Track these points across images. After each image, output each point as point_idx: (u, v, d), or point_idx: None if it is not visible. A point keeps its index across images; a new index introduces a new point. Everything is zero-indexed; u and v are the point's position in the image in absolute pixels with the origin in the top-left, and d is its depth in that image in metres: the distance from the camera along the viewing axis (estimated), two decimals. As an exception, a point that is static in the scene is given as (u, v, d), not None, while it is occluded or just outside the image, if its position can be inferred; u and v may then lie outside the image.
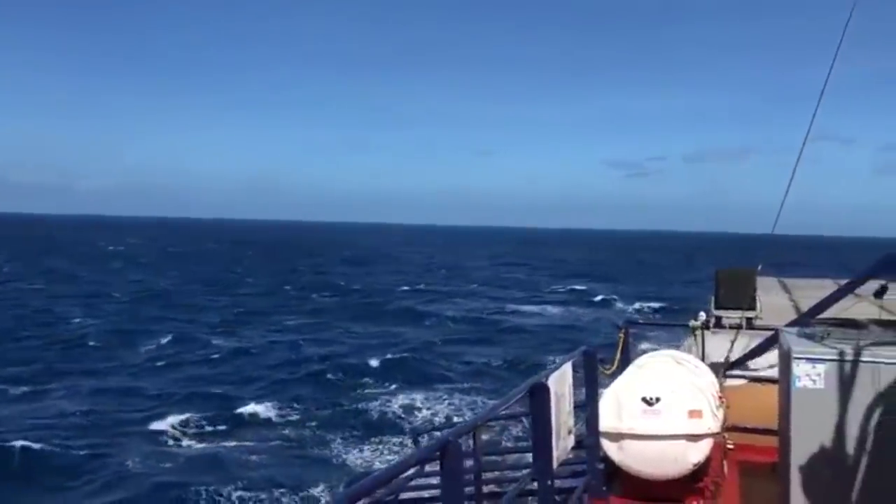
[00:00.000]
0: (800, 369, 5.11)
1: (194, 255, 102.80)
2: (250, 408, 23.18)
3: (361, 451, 19.56)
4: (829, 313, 6.94)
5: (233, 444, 20.11)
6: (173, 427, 21.15)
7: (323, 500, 15.67)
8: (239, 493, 16.37)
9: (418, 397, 24.38)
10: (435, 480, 6.73)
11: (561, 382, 5.41)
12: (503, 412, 5.27)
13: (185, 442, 20.31)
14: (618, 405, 6.29)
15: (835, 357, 5.05)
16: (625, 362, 7.72)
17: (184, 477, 17.12)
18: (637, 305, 53.52)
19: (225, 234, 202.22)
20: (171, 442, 20.20)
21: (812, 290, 11.86)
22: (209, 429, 21.35)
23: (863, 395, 4.95)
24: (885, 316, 6.31)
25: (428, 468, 6.45)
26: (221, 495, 16.27)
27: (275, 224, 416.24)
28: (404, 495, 7.70)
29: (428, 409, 23.18)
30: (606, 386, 6.68)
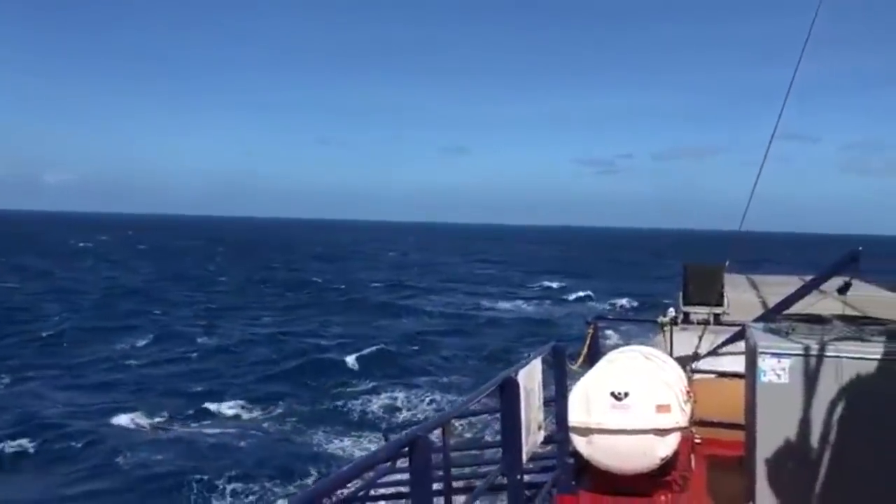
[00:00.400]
0: (765, 364, 5.17)
1: (167, 252, 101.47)
2: (228, 403, 23.17)
3: (342, 440, 19.67)
4: (794, 309, 7.05)
5: (214, 434, 20.19)
6: (149, 421, 21.18)
7: (288, 499, 15.63)
8: (221, 483, 16.45)
9: (399, 395, 24.42)
10: (405, 476, 6.73)
11: (530, 378, 5.43)
12: (473, 407, 5.28)
13: (162, 435, 20.27)
14: (587, 400, 6.32)
15: (800, 352, 5.12)
16: (594, 358, 7.76)
17: (156, 468, 17.24)
18: (609, 301, 53.97)
19: (198, 230, 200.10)
20: (147, 435, 20.19)
21: (778, 287, 12.04)
22: (186, 422, 21.37)
23: (827, 389, 5.03)
24: (849, 311, 6.41)
25: (398, 464, 6.45)
26: (198, 483, 16.31)
27: (247, 221, 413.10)
28: (374, 491, 7.69)
29: (408, 408, 23.22)
30: (576, 381, 6.71)
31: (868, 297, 11.94)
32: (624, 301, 53.47)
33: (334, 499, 6.60)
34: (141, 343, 33.62)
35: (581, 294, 59.89)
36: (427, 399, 23.89)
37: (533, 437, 5.47)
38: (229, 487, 16.33)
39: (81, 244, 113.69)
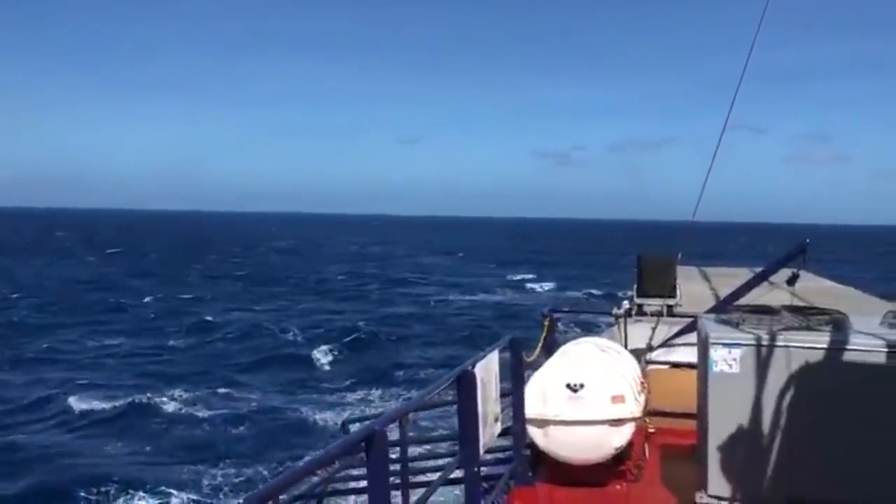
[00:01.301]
0: (717, 354, 5.27)
1: (123, 246, 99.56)
2: (189, 393, 23.20)
3: (306, 432, 19.76)
4: (744, 300, 7.19)
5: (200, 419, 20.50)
6: (101, 410, 21.29)
7: (244, 497, 15.48)
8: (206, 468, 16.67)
9: (364, 387, 24.59)
10: (362, 471, 6.71)
11: (487, 370, 5.44)
12: (430, 400, 5.28)
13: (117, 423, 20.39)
14: (543, 392, 6.36)
15: (750, 342, 5.23)
16: (550, 350, 7.82)
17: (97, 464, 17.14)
18: (568, 292, 54.58)
19: (148, 224, 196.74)
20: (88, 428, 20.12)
21: (729, 278, 12.26)
22: (168, 409, 21.59)
23: (776, 378, 5.15)
24: (797, 302, 6.56)
25: (355, 458, 6.42)
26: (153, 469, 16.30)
27: (194, 215, 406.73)
28: (331, 487, 7.65)
29: (369, 397, 23.41)
30: (533, 373, 6.75)
31: (815, 288, 12.24)
32: (586, 291, 54.18)
33: (290, 495, 6.55)
34: (111, 340, 33.22)
35: (542, 284, 60.78)
36: (390, 390, 24.08)
37: (490, 429, 5.49)
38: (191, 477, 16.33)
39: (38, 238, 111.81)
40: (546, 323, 8.43)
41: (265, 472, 16.50)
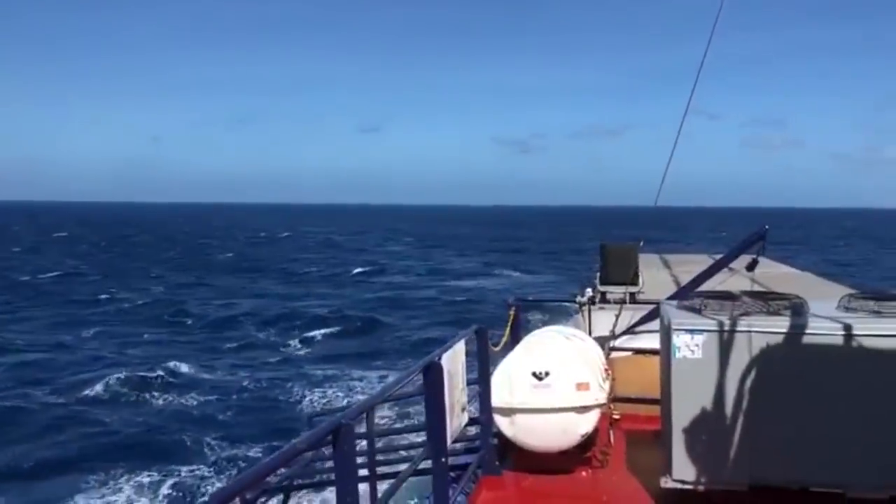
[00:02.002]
0: (679, 340, 5.34)
1: (84, 240, 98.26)
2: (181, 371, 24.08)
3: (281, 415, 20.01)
4: (705, 286, 7.29)
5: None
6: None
7: (209, 494, 15.48)
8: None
9: (345, 373, 24.80)
10: (329, 464, 6.68)
11: (454, 361, 5.45)
12: (397, 392, 5.26)
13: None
14: (509, 381, 6.38)
15: (712, 328, 5.30)
16: (516, 339, 7.85)
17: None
18: (532, 280, 54.96)
19: (105, 217, 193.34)
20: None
21: (690, 265, 12.44)
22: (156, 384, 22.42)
23: (738, 362, 5.23)
24: (757, 288, 6.66)
25: (322, 451, 6.39)
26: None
27: (158, 207, 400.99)
28: (298, 480, 7.61)
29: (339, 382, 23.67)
30: (499, 363, 6.78)
31: (774, 274, 12.48)
32: (551, 279, 54.59)
33: (258, 490, 6.50)
34: (86, 332, 33.16)
35: (507, 272, 61.32)
36: (366, 374, 24.55)
37: (457, 419, 5.50)
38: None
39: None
40: (511, 312, 8.46)
41: (242, 453, 16.93)
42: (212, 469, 16.11)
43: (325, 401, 21.03)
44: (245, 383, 23.31)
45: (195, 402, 21.27)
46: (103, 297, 43.83)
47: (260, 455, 16.21)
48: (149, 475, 15.69)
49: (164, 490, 15.09)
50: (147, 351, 28.22)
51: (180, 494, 14.96)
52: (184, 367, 24.71)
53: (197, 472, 15.94)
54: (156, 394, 21.99)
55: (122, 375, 23.03)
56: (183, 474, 15.83)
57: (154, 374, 23.34)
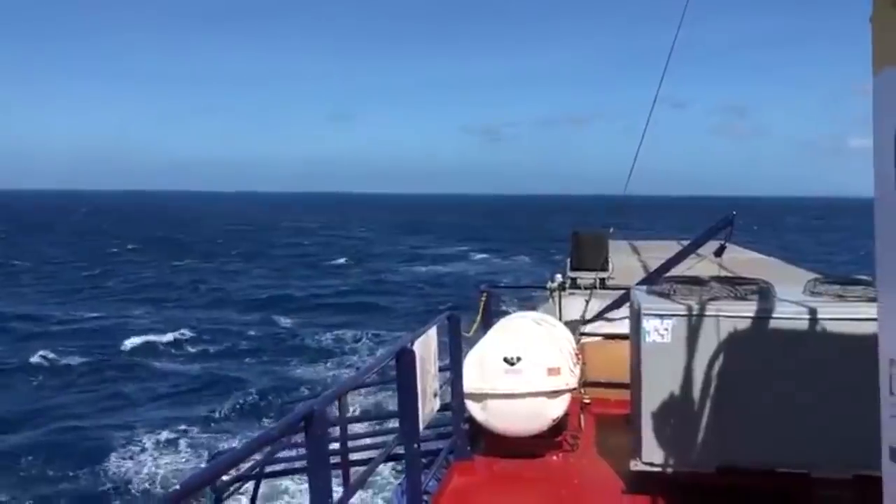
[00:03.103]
0: (649, 325, 5.39)
1: (48, 229, 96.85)
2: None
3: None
4: (674, 272, 7.37)
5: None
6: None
7: (180, 482, 15.58)
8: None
9: (327, 355, 25.87)
10: (302, 451, 6.66)
11: (426, 347, 5.45)
12: (369, 378, 5.26)
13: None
14: (481, 366, 6.41)
15: (681, 312, 5.36)
16: (487, 324, 7.89)
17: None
18: (503, 266, 55.45)
19: (71, 203, 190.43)
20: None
21: (659, 251, 12.54)
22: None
23: (706, 346, 5.30)
24: (724, 273, 6.75)
25: (295, 438, 6.37)
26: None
27: (125, 194, 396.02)
28: (270, 468, 7.59)
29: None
30: (471, 348, 6.80)
31: (741, 259, 12.64)
32: (522, 265, 55.11)
33: (230, 477, 6.48)
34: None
35: (480, 257, 62.57)
36: (342, 359, 25.25)
37: (429, 405, 5.51)
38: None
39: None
40: (483, 298, 8.49)
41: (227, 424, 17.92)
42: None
43: (300, 387, 21.24)
44: (219, 370, 23.55)
45: (166, 386, 21.70)
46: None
47: (233, 444, 16.25)
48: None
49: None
50: (127, 333, 28.79)
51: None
52: (171, 347, 26.14)
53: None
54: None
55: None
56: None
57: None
